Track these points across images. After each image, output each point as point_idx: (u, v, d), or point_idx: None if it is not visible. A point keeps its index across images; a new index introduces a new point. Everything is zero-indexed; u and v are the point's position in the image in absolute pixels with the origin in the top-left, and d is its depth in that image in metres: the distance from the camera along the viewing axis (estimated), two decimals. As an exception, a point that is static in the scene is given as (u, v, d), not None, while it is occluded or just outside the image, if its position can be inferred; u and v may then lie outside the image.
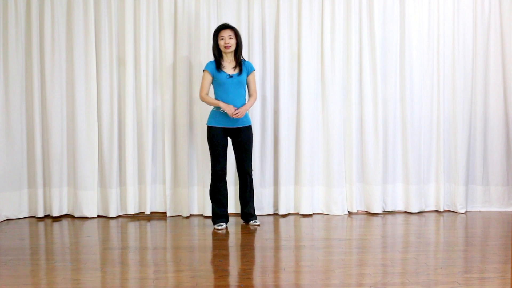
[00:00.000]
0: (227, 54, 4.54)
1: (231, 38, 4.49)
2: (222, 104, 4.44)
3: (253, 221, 4.68)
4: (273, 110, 5.04)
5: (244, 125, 4.55)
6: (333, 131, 5.04)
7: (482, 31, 5.13)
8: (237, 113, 4.40)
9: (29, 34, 4.93)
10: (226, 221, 4.62)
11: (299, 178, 5.07)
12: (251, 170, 4.66)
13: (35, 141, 4.93)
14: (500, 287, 3.08)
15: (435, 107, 5.14)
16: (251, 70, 4.60)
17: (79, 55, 4.93)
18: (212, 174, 4.58)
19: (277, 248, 3.97)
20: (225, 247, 4.04)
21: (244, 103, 4.53)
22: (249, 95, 4.64)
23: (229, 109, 4.42)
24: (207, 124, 4.57)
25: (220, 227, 4.53)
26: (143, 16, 4.95)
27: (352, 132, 5.08)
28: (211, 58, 4.95)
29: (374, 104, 5.06)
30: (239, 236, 4.36)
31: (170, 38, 4.97)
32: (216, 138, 4.50)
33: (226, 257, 3.79)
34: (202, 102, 4.69)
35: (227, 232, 4.45)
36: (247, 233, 4.42)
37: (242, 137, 4.55)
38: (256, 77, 4.84)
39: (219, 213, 4.59)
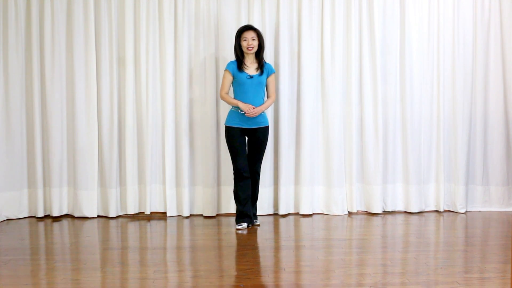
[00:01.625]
0: (249, 55, 4.56)
1: (254, 39, 4.51)
2: (241, 104, 4.46)
3: (254, 221, 4.67)
4: (273, 110, 5.04)
5: (261, 126, 4.56)
6: (333, 131, 5.04)
7: (482, 31, 5.13)
8: (250, 112, 4.41)
9: (29, 34, 4.93)
10: (249, 220, 4.58)
11: (299, 178, 5.07)
12: (260, 170, 4.68)
13: (35, 141, 4.93)
14: (500, 287, 3.08)
15: (435, 107, 5.14)
16: (271, 72, 4.62)
17: (79, 55, 4.93)
18: (234, 174, 4.58)
19: (277, 248, 3.97)
20: (225, 247, 4.04)
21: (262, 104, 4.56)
22: (268, 97, 4.65)
23: (248, 108, 4.42)
24: (225, 124, 4.59)
25: (240, 227, 4.52)
26: (143, 16, 4.95)
27: (352, 132, 5.08)
28: (210, 58, 4.96)
29: (374, 104, 5.06)
30: (239, 236, 4.36)
31: (170, 38, 4.96)
32: (235, 138, 4.52)
33: (226, 257, 3.79)
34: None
35: (227, 232, 4.45)
36: (247, 233, 4.42)
37: (258, 137, 4.57)
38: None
39: (241, 213, 4.57)
